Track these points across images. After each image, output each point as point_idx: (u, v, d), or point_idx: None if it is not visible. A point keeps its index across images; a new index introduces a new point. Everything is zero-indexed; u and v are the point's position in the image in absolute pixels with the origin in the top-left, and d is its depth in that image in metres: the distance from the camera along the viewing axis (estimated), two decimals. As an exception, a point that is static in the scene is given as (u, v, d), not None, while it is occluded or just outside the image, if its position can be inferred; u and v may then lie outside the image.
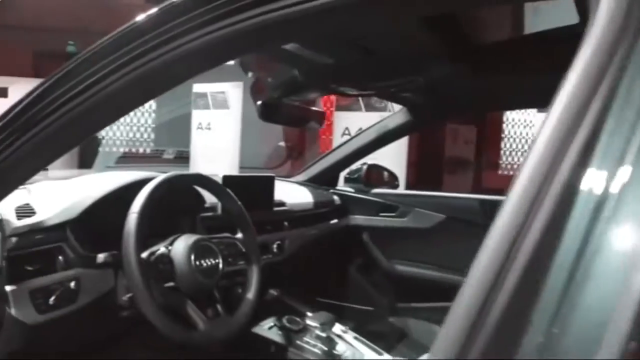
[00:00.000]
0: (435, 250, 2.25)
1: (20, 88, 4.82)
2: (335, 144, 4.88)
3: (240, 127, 4.98)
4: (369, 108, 4.47)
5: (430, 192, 2.32)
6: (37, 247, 1.22)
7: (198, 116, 5.22)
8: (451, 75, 1.46)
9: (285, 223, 1.96)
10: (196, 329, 1.26)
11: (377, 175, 2.48)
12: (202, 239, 1.33)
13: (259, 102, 1.63)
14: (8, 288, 1.14)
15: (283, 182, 2.32)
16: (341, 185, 2.50)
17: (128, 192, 1.30)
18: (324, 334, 1.64)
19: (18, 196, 1.37)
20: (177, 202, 1.59)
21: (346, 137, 4.64)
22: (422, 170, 5.43)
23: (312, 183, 2.42)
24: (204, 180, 1.44)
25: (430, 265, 2.24)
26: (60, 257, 1.25)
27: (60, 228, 1.27)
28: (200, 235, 1.34)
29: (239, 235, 1.48)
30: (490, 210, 2.16)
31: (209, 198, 1.65)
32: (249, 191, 1.80)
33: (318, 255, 2.24)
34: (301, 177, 2.47)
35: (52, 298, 1.20)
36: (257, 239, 1.50)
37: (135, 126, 6.23)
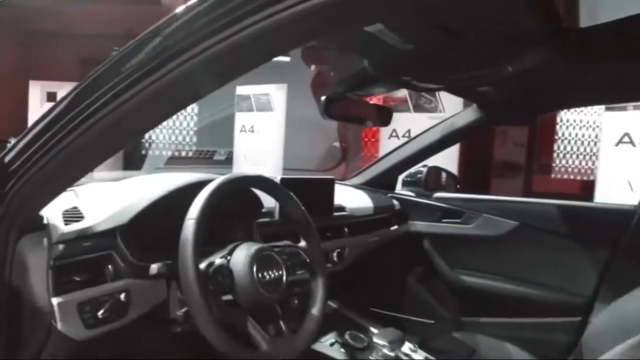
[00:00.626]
0: (505, 260, 2.03)
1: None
2: (382, 147, 4.69)
3: (284, 129, 4.84)
4: (418, 109, 4.26)
5: (500, 196, 2.10)
6: (86, 255, 1.09)
7: (241, 119, 5.12)
8: (546, 63, 1.25)
9: (345, 229, 1.79)
10: (258, 349, 1.10)
11: (438, 178, 2.28)
12: (263, 248, 1.17)
13: (323, 98, 1.46)
14: (55, 301, 1.01)
15: (340, 186, 2.16)
16: (399, 189, 2.32)
17: (182, 195, 1.15)
18: (392, 354, 1.46)
19: (65, 199, 1.25)
20: (233, 207, 1.45)
21: (394, 140, 4.45)
22: (469, 174, 5.17)
23: (369, 186, 2.25)
24: (266, 183, 1.28)
25: (500, 276, 2.03)
26: (109, 267, 1.12)
27: (110, 234, 1.13)
28: (261, 244, 1.18)
29: (302, 243, 1.32)
30: (569, 216, 1.93)
31: (266, 202, 1.49)
32: (308, 195, 1.63)
33: (377, 263, 2.06)
34: (357, 179, 2.30)
35: (101, 311, 1.06)
36: (321, 248, 1.34)
37: (177, 129, 6.20)
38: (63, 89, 5.28)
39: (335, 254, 1.70)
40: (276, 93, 4.91)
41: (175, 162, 5.96)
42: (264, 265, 1.14)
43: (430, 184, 2.23)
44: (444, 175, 2.30)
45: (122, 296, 1.11)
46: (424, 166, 2.25)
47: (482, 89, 1.51)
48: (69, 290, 1.04)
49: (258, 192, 1.45)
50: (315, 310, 1.26)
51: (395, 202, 2.17)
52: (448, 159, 3.89)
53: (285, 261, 1.25)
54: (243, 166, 4.99)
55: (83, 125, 0.87)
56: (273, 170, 4.68)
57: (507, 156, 5.44)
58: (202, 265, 1.07)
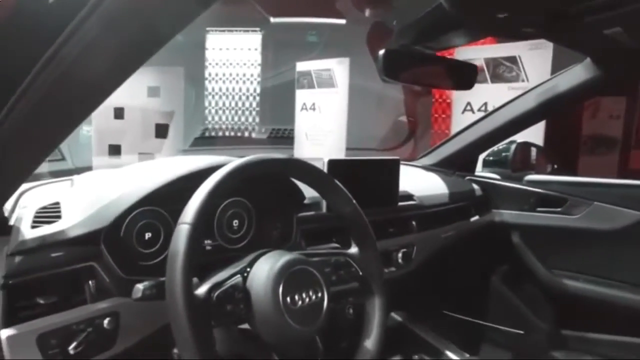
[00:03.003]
0: (621, 262, 1.54)
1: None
2: (454, 123, 4.17)
3: (347, 106, 4.44)
4: (496, 79, 3.69)
5: (618, 179, 1.60)
6: (55, 269, 0.78)
7: (302, 96, 4.76)
8: None
9: (413, 223, 1.39)
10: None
11: (530, 157, 1.81)
12: (296, 260, 0.81)
13: (381, 52, 1.06)
14: (3, 334, 0.71)
15: (407, 167, 1.75)
16: (479, 171, 1.87)
17: (188, 185, 0.81)
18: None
19: (52, 192, 0.95)
20: (263, 198, 1.10)
21: (468, 115, 3.91)
22: (551, 151, 4.50)
23: (442, 168, 1.82)
24: (299, 168, 0.91)
25: (614, 281, 1.54)
26: (90, 283, 0.81)
27: (90, 240, 0.82)
28: (292, 255, 0.82)
29: (354, 250, 0.95)
30: None
31: (309, 190, 1.13)
32: (366, 181, 1.25)
33: (453, 264, 1.65)
34: (428, 160, 1.88)
35: (73, 344, 0.75)
36: (379, 255, 0.96)
37: (240, 110, 5.94)
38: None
39: (400, 255, 1.31)
40: (338, 68, 4.50)
41: (205, 142, 5.64)
42: (297, 286, 0.78)
43: (519, 164, 1.76)
44: (537, 153, 1.82)
45: (107, 322, 0.80)
46: (512, 142, 1.78)
47: (609, 31, 1.03)
48: (26, 318, 0.74)
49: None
50: (369, 343, 0.89)
51: (475, 186, 1.72)
52: (531, 134, 3.32)
53: (329, 276, 0.88)
54: (305, 146, 4.65)
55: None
56: (335, 149, 4.31)
57: (600, 130, 4.70)
58: (202, 289, 0.73)
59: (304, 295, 0.79)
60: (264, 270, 0.78)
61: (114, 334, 0.81)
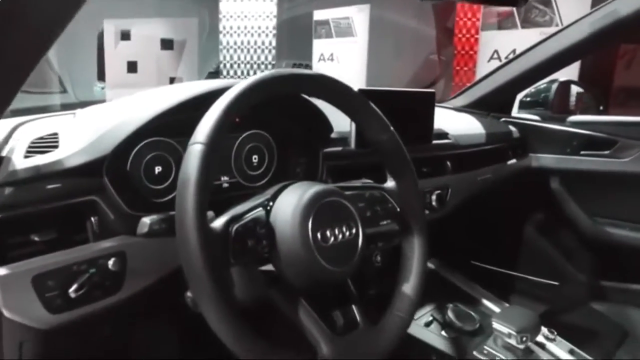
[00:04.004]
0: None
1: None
2: (479, 75, 3.94)
3: (367, 57, 4.22)
4: (528, 24, 3.43)
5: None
6: (52, 202, 0.68)
7: (320, 46, 4.54)
8: None
9: (448, 163, 1.26)
10: (314, 353, 0.65)
11: (573, 97, 1.64)
12: (328, 191, 0.69)
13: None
14: (-5, 273, 0.62)
15: (437, 109, 1.60)
16: (515, 113, 1.71)
17: (200, 110, 0.68)
18: (520, 345, 0.95)
19: (51, 124, 0.84)
20: (285, 129, 0.97)
21: (494, 64, 3.68)
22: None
23: (475, 110, 1.66)
24: (328, 86, 0.75)
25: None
26: (92, 220, 0.70)
27: (91, 170, 0.71)
28: (324, 185, 0.70)
29: (390, 183, 0.82)
30: None
31: (337, 123, 1.00)
32: (398, 114, 1.11)
33: (488, 209, 1.52)
34: (460, 101, 1.72)
35: (74, 287, 0.65)
36: (419, 190, 0.83)
37: (253, 48, 5.61)
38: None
39: (434, 197, 1.19)
40: (358, 16, 4.25)
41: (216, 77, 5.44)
42: (328, 220, 0.67)
43: (561, 105, 1.60)
44: (580, 92, 1.65)
45: (112, 263, 0.69)
46: (553, 81, 1.61)
47: None
48: (21, 257, 0.64)
49: (325, 109, 0.96)
50: (408, 289, 0.77)
51: (512, 128, 1.57)
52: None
53: (364, 211, 0.76)
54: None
55: None
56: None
57: (634, 82, 4.42)
58: (219, 222, 0.61)
59: (336, 231, 0.67)
60: (291, 202, 0.66)
61: (120, 277, 0.71)
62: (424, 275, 0.77)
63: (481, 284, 1.49)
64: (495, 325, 0.95)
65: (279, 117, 0.98)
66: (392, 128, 0.80)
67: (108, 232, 0.71)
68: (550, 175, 1.55)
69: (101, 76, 4.52)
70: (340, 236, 0.67)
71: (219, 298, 0.55)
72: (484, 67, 3.82)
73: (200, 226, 0.55)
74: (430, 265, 1.31)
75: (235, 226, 0.61)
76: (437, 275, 1.29)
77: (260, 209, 0.66)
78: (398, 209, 0.80)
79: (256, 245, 0.63)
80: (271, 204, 0.68)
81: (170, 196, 0.82)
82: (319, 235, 0.65)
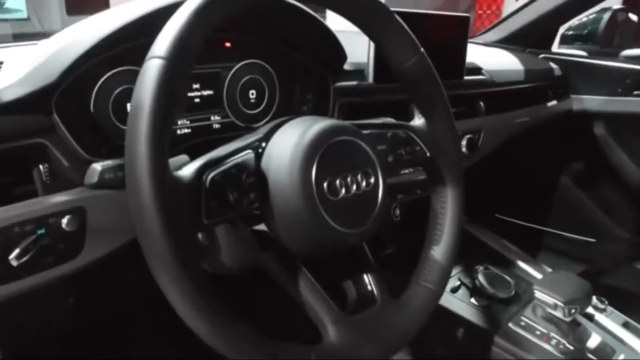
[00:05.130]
0: None
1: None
2: (506, 13, 3.59)
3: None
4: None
5: None
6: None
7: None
8: None
9: (481, 103, 1.06)
10: (318, 341, 0.49)
11: (627, 29, 1.40)
12: (339, 127, 0.51)
13: None
14: None
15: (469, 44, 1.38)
16: (556, 49, 1.48)
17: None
18: (566, 318, 0.79)
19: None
20: (288, 62, 0.79)
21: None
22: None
23: (510, 45, 1.44)
24: None
25: None
26: (41, 168, 0.54)
27: (35, 106, 0.54)
28: (336, 120, 0.53)
29: (418, 121, 0.64)
30: None
31: (353, 51, 0.81)
32: (426, 42, 0.91)
33: (519, 156, 1.33)
34: (492, 35, 1.49)
35: (16, 252, 0.50)
36: (455, 129, 0.64)
37: None
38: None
39: (464, 142, 1.00)
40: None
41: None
42: (339, 166, 0.50)
43: (612, 38, 1.36)
44: (636, 22, 1.41)
45: (66, 222, 0.53)
46: (604, 10, 1.37)
47: None
48: None
49: (336, 33, 0.76)
50: (438, 254, 0.61)
51: (553, 65, 1.35)
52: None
53: (384, 156, 0.59)
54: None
55: None
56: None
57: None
58: (189, 169, 0.44)
59: (349, 180, 0.50)
60: (290, 141, 0.49)
61: (77, 239, 0.55)
62: (458, 237, 0.61)
63: (509, 241, 1.33)
64: (538, 294, 0.78)
65: (281, 44, 0.79)
66: (422, 49, 0.61)
67: (62, 184, 0.55)
68: (595, 119, 1.34)
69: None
70: (355, 187, 0.50)
71: (180, 274, 0.39)
72: (512, 5, 3.48)
73: (155, 172, 0.39)
74: None
75: (212, 174, 0.44)
76: (465, 232, 1.13)
77: (249, 151, 0.49)
78: (428, 154, 0.62)
79: (241, 198, 0.46)
80: (264, 144, 0.51)
81: None
82: (325, 185, 0.48)
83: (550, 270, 1.04)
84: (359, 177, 0.51)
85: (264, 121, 0.80)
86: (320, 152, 0.48)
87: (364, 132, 0.57)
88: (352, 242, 0.51)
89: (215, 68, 0.74)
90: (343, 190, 0.49)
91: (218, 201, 0.44)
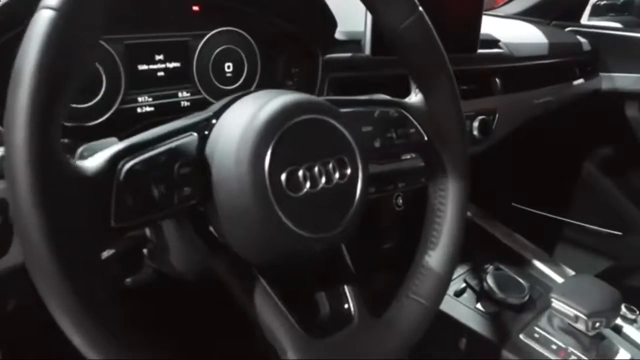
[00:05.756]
0: None
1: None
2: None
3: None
4: None
5: None
6: None
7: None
8: None
9: (497, 81, 0.93)
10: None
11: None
12: (307, 103, 0.40)
13: None
14: None
15: (485, 17, 1.24)
16: (585, 20, 1.32)
17: None
18: (589, 332, 0.67)
19: None
20: (269, 31, 0.68)
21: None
22: None
23: (533, 17, 1.29)
24: None
25: None
26: None
27: None
28: (301, 94, 0.41)
29: (415, 98, 0.52)
30: None
31: (348, 18, 0.69)
32: (434, 10, 0.79)
33: (540, 139, 1.20)
34: (512, 7, 1.34)
35: None
36: (461, 109, 0.52)
37: None
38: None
39: (476, 124, 0.87)
40: None
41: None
42: (304, 152, 0.39)
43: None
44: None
45: None
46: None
47: None
48: None
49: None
50: (435, 261, 0.49)
51: (582, 39, 1.20)
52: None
53: (371, 140, 0.47)
54: None
55: None
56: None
57: None
58: (98, 158, 0.34)
59: (316, 170, 0.39)
60: (241, 119, 0.38)
61: (3, 233, 0.45)
62: (459, 241, 0.49)
63: (525, 232, 1.20)
64: (556, 304, 0.66)
65: (261, 9, 0.67)
66: (420, 8, 0.49)
67: None
68: (627, 99, 1.19)
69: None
70: (324, 180, 0.39)
71: (69, 301, 0.28)
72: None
73: (33, 157, 0.28)
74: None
75: (130, 163, 0.34)
76: (471, 223, 1.01)
77: (191, 133, 0.38)
78: (425, 137, 0.51)
79: (170, 194, 0.36)
80: (214, 123, 0.40)
81: (102, 118, 0.56)
82: (283, 178, 0.37)
83: (571, 272, 0.91)
84: (330, 166, 0.40)
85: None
86: (278, 134, 0.37)
87: (345, 110, 0.45)
88: (319, 250, 0.40)
89: (182, 36, 0.63)
90: (308, 184, 0.38)
91: (135, 198, 0.34)
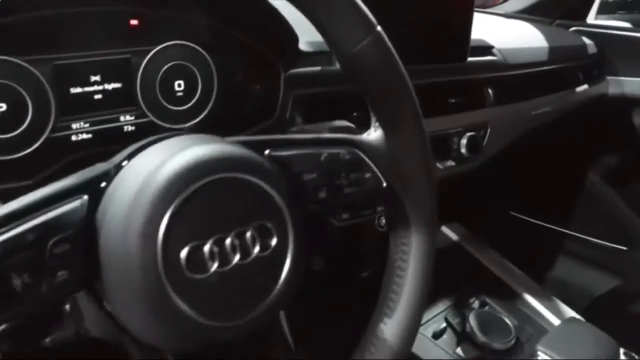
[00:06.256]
0: None
1: None
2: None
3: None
4: None
5: None
6: None
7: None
8: None
9: (490, 91, 0.84)
10: None
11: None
12: (226, 157, 0.32)
13: None
14: None
15: (481, 16, 1.14)
16: (592, 19, 1.22)
17: None
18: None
19: None
20: (225, 44, 0.60)
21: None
22: None
23: (535, 15, 1.18)
24: None
25: None
26: None
27: None
28: (217, 141, 0.33)
29: (374, 135, 0.43)
30: None
31: (311, 30, 0.60)
32: (414, 15, 0.70)
33: (544, 147, 1.10)
34: (513, 4, 1.24)
35: None
36: (427, 146, 0.44)
37: None
38: None
39: (464, 141, 0.79)
40: None
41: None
42: (212, 224, 0.31)
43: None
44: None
45: None
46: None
47: None
48: None
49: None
50: (390, 331, 0.41)
51: (587, 41, 1.10)
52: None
53: (314, 191, 0.39)
54: None
55: None
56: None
57: None
58: None
59: (228, 244, 0.31)
60: (138, 176, 0.30)
61: None
62: (421, 306, 0.41)
63: (524, 243, 1.12)
64: (543, 357, 0.58)
65: (210, 20, 0.59)
66: (378, 28, 0.41)
67: None
68: (635, 105, 1.09)
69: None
70: (238, 256, 0.31)
71: None
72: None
73: None
74: (453, 235, 0.93)
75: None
76: (458, 248, 0.92)
77: (78, 197, 0.31)
78: (384, 183, 0.42)
79: (37, 283, 0.28)
80: (112, 176, 0.32)
81: (30, 149, 0.49)
82: (183, 256, 0.29)
83: (565, 307, 0.82)
84: (247, 237, 0.32)
85: (198, 118, 0.61)
86: (179, 199, 0.29)
87: (282, 153, 0.38)
88: (229, 339, 0.32)
89: (121, 53, 0.55)
90: (216, 264, 0.30)
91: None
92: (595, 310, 1.11)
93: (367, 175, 0.41)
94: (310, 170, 0.39)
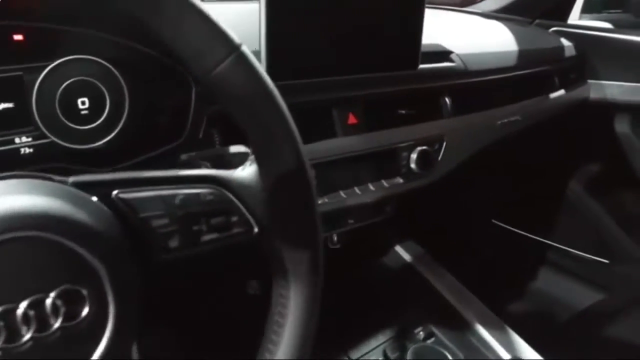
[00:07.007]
0: None
1: None
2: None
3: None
4: None
5: None
6: None
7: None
8: None
9: (447, 100, 0.76)
10: None
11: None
12: (18, 215, 0.26)
13: None
14: None
15: (457, 16, 1.06)
16: (575, 20, 1.13)
17: None
18: None
19: None
20: (133, 56, 0.54)
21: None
22: None
23: (515, 15, 1.10)
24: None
25: None
26: None
27: None
28: (32, 195, 0.28)
29: (249, 169, 0.37)
30: None
31: (239, 29, 0.54)
32: (352, 18, 0.63)
33: (519, 156, 1.03)
34: (492, 3, 1.15)
35: None
36: (313, 190, 0.37)
37: None
38: None
39: (414, 156, 0.71)
40: None
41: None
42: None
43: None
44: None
45: None
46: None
47: None
48: None
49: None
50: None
51: (566, 42, 1.01)
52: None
53: (164, 239, 0.33)
54: None
55: None
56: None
57: None
58: None
59: (19, 315, 0.26)
60: None
61: None
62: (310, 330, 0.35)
63: (504, 252, 1.04)
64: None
65: (119, 34, 0.53)
66: (244, 47, 0.34)
67: None
68: (617, 111, 1.01)
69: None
70: (34, 328, 0.26)
71: None
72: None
73: None
74: (406, 256, 0.85)
75: None
76: (410, 269, 0.84)
77: None
78: (256, 228, 0.36)
79: None
80: None
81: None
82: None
83: (520, 341, 0.75)
84: (47, 306, 0.26)
85: (107, 138, 0.55)
86: None
87: (130, 195, 0.32)
88: None
89: (10, 71, 0.50)
90: (2, 338, 0.25)
91: None
92: (573, 325, 1.04)
93: (234, 219, 0.35)
94: (161, 215, 0.33)
